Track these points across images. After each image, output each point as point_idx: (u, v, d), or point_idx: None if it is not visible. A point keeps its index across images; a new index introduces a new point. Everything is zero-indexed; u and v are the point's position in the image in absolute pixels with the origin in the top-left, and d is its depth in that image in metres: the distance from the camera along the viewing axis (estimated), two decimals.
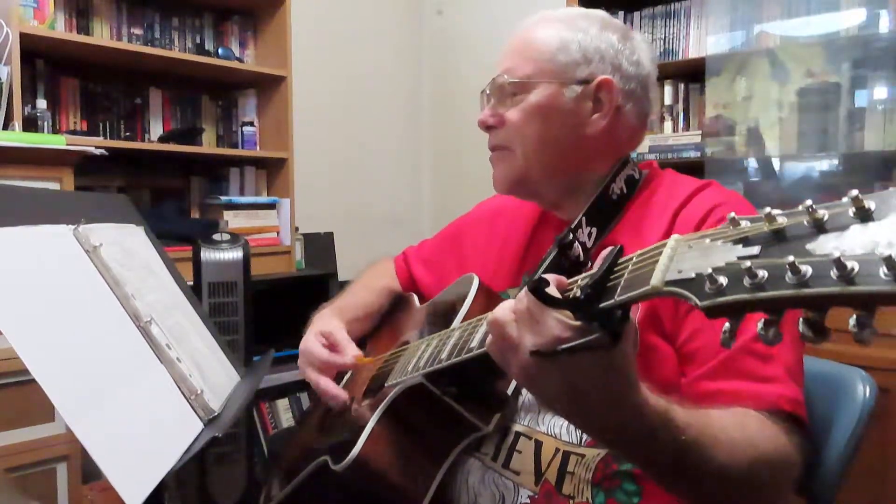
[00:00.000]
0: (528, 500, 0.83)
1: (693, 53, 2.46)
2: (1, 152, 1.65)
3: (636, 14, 2.60)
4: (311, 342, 1.05)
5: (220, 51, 2.64)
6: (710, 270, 0.41)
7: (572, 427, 0.83)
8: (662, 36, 2.54)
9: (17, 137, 1.73)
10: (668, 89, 2.52)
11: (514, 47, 0.96)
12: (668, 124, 2.54)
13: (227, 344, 1.15)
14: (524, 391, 0.89)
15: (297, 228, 2.74)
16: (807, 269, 0.37)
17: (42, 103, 2.22)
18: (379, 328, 1.17)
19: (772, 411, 0.73)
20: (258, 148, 2.78)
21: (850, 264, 0.35)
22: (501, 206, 1.12)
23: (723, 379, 0.76)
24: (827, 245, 0.37)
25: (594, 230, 0.90)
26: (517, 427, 0.87)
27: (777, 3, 2.29)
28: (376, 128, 3.35)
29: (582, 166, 0.94)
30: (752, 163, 2.40)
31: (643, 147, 2.46)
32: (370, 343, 1.17)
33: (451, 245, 1.18)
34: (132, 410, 0.75)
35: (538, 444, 0.84)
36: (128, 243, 0.99)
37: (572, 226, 0.91)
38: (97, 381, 0.73)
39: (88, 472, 1.82)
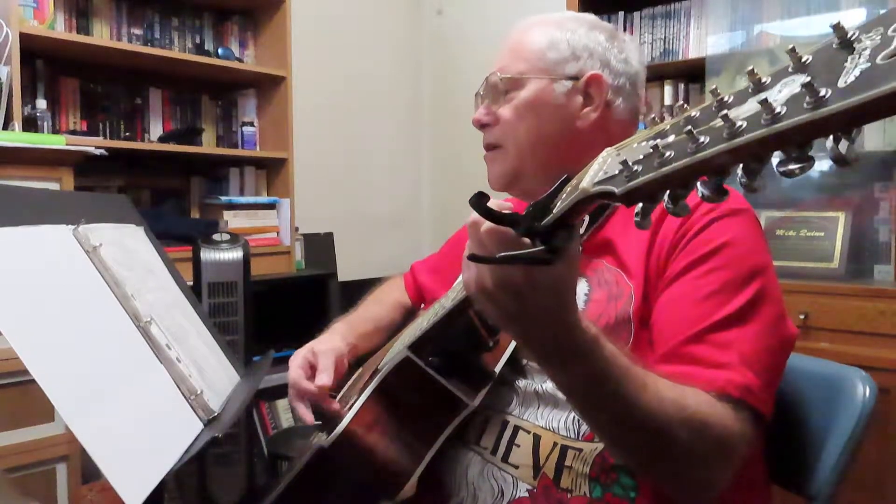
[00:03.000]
0: (527, 494, 0.83)
1: (693, 53, 2.46)
2: (1, 152, 1.65)
3: (636, 14, 2.60)
4: (294, 360, 1.04)
5: (220, 51, 2.64)
6: (628, 162, 0.45)
7: (570, 421, 0.84)
8: (662, 36, 2.54)
9: (17, 137, 1.73)
10: (668, 89, 2.52)
11: (506, 48, 0.99)
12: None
13: (227, 344, 1.15)
14: (520, 383, 0.89)
15: (297, 228, 2.74)
16: (704, 138, 0.40)
17: (42, 103, 2.22)
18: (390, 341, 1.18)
19: (720, 395, 0.73)
20: (258, 148, 2.78)
21: (738, 122, 0.38)
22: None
23: (674, 363, 0.77)
24: (727, 116, 0.39)
25: (586, 220, 0.91)
26: (516, 421, 0.88)
27: (777, 3, 2.29)
28: (376, 128, 3.35)
29: (575, 161, 0.94)
30: None
31: None
32: (382, 353, 1.18)
33: (452, 251, 1.20)
34: (132, 410, 0.75)
35: (536, 438, 0.85)
36: (128, 243, 0.99)
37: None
38: (97, 381, 0.73)
39: (88, 472, 1.82)
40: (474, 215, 0.59)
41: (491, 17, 3.23)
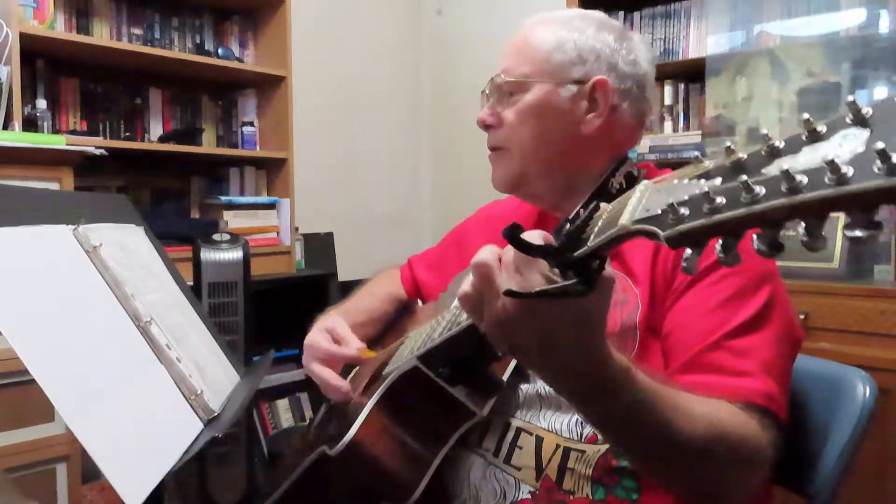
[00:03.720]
0: (529, 496, 0.83)
1: (693, 53, 2.46)
2: (1, 152, 1.65)
3: (636, 14, 2.60)
4: (316, 336, 1.05)
5: (220, 51, 2.64)
6: (673, 203, 0.43)
7: (573, 423, 0.84)
8: (662, 36, 2.54)
9: (17, 137, 1.73)
10: (668, 89, 2.52)
11: (512, 47, 0.97)
12: (668, 124, 2.54)
13: (227, 344, 1.15)
14: (523, 386, 0.89)
15: (297, 228, 2.74)
16: (760, 189, 0.39)
17: (42, 103, 2.22)
18: (385, 335, 1.18)
19: (745, 405, 0.73)
20: (258, 148, 2.78)
21: (798, 177, 0.37)
22: (501, 210, 1.14)
23: (696, 372, 0.77)
24: (780, 166, 0.38)
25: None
26: (518, 423, 0.88)
27: (777, 3, 2.29)
28: (376, 128, 3.35)
29: (579, 165, 0.95)
30: None
31: (643, 147, 2.46)
32: (377, 349, 1.18)
33: (453, 248, 1.19)
34: (132, 410, 0.75)
35: (539, 440, 0.85)
36: (128, 243, 0.99)
37: (570, 217, 0.91)
38: (97, 381, 0.73)
39: (88, 472, 1.82)
40: (505, 246, 0.57)
41: (491, 17, 3.23)
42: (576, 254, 0.53)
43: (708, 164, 0.45)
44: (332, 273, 2.82)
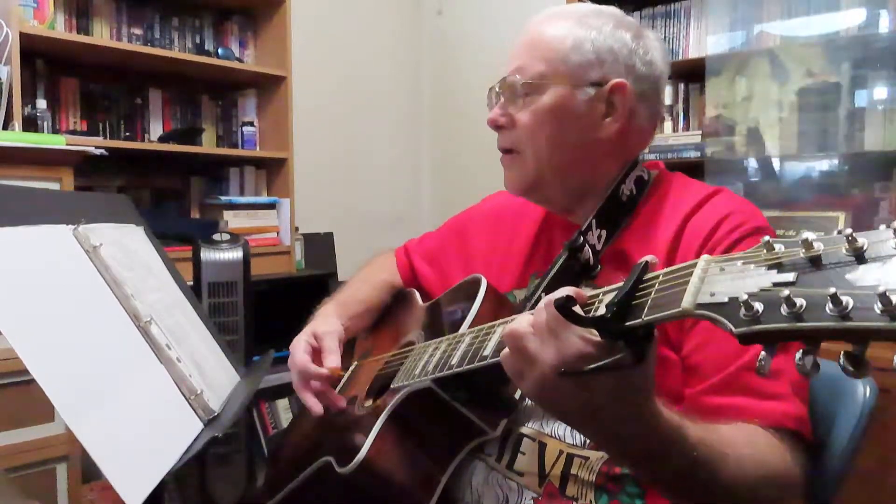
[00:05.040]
0: (532, 502, 0.83)
1: (693, 53, 2.46)
2: (1, 152, 1.65)
3: (636, 14, 2.60)
4: (297, 345, 1.04)
5: (220, 51, 2.64)
6: (745, 296, 0.40)
7: None
8: (662, 36, 2.54)
9: (17, 137, 1.73)
10: (668, 89, 2.51)
11: (525, 44, 0.93)
12: (668, 124, 2.53)
13: (227, 344, 1.15)
14: None
15: (297, 228, 2.74)
16: (848, 301, 0.36)
17: (42, 103, 2.22)
18: (379, 324, 1.17)
19: (777, 428, 0.73)
20: (258, 148, 2.78)
21: (895, 298, 0.34)
22: (507, 204, 1.11)
23: (727, 394, 0.76)
24: (868, 276, 0.36)
25: (603, 233, 0.89)
26: (522, 429, 0.87)
27: (777, 3, 2.29)
28: (376, 128, 3.35)
29: (593, 170, 0.93)
30: (752, 163, 2.40)
31: None
32: (371, 339, 1.17)
33: (454, 239, 1.17)
34: (132, 410, 0.75)
35: (542, 446, 0.84)
36: (128, 243, 0.98)
37: (582, 228, 0.90)
38: (97, 381, 0.73)
39: (88, 472, 1.82)
40: (553, 314, 0.55)
41: (491, 17, 3.23)
42: (627, 324, 0.51)
43: (779, 250, 0.42)
44: (332, 273, 2.82)
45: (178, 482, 1.97)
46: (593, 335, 0.53)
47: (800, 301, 0.38)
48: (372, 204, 3.32)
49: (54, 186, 1.76)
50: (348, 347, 1.12)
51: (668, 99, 2.52)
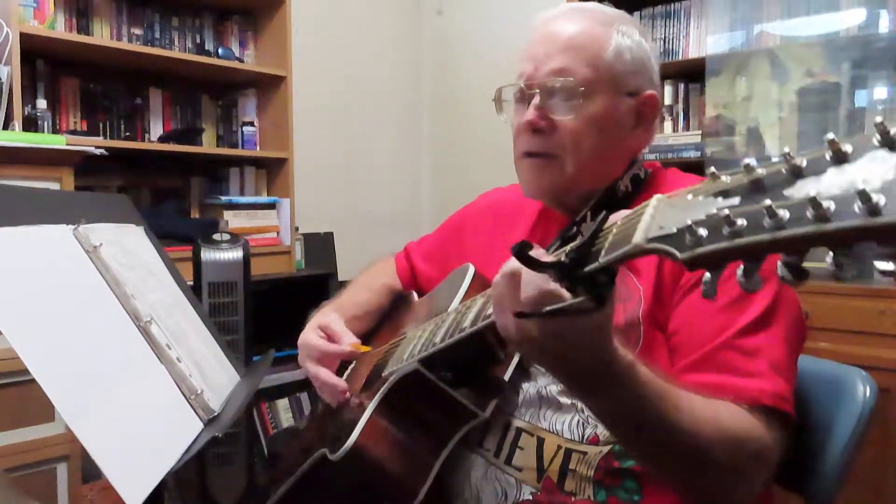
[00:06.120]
0: (531, 497, 0.83)
1: (693, 53, 2.46)
2: (1, 152, 1.65)
3: (636, 14, 2.60)
4: (308, 335, 1.04)
5: (220, 51, 2.64)
6: (689, 223, 0.42)
7: (574, 424, 0.84)
8: (662, 36, 2.54)
9: (17, 137, 1.73)
10: (668, 89, 2.52)
11: (564, 45, 0.89)
12: (668, 124, 2.53)
13: (227, 344, 1.15)
14: (524, 385, 0.89)
15: (297, 228, 2.74)
16: (784, 213, 0.37)
17: (42, 103, 2.22)
18: (379, 327, 1.17)
19: (753, 406, 0.73)
20: (258, 148, 2.78)
21: (825, 203, 0.35)
22: (503, 199, 1.11)
23: (705, 372, 0.76)
24: (804, 189, 0.37)
25: (594, 226, 0.90)
26: (519, 423, 0.87)
27: (777, 3, 2.29)
28: (376, 128, 3.35)
29: (608, 175, 0.93)
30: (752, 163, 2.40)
31: None
32: (372, 342, 1.17)
33: (452, 237, 1.17)
34: (132, 410, 0.75)
35: (540, 441, 0.85)
36: (128, 243, 0.98)
37: (577, 219, 0.91)
38: (97, 381, 0.73)
39: (88, 472, 1.82)
40: (514, 263, 0.57)
41: (491, 17, 3.23)
42: (586, 270, 0.52)
43: (725, 180, 0.43)
44: (332, 273, 2.82)
45: (178, 482, 1.97)
46: (550, 280, 0.55)
47: (740, 220, 0.39)
48: (372, 204, 3.32)
49: (54, 186, 1.76)
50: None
51: (668, 99, 2.52)
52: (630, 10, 2.73)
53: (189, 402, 0.86)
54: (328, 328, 1.04)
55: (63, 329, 0.73)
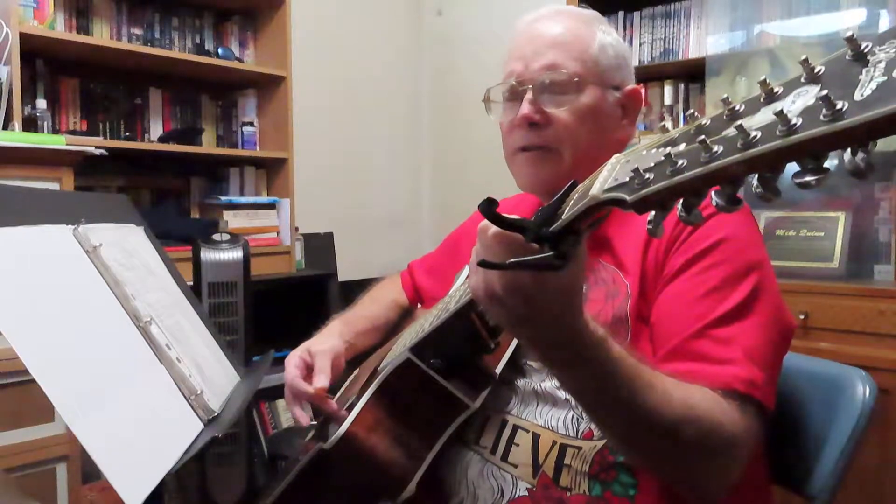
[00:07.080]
0: (527, 493, 0.83)
1: (693, 53, 2.46)
2: (1, 152, 1.65)
3: (636, 14, 2.60)
4: (290, 360, 1.04)
5: (220, 51, 2.64)
6: (639, 169, 0.45)
7: (569, 420, 0.84)
8: (662, 36, 2.54)
9: (17, 137, 1.73)
10: (668, 89, 2.52)
11: (552, 42, 0.94)
12: (668, 124, 2.53)
13: (227, 344, 1.15)
14: (519, 381, 0.90)
15: (296, 228, 2.74)
16: (718, 147, 0.40)
17: (42, 103, 2.22)
18: (387, 342, 1.18)
19: (726, 392, 0.73)
20: (258, 148, 2.78)
21: (752, 133, 0.38)
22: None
23: (679, 360, 0.77)
24: (738, 125, 0.40)
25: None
26: (515, 420, 0.88)
27: (777, 3, 2.29)
28: (376, 128, 3.35)
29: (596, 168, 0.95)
30: None
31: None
32: (378, 356, 1.18)
33: (449, 253, 1.20)
34: (132, 410, 0.75)
35: (535, 437, 0.85)
36: (128, 243, 0.99)
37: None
38: (97, 381, 0.73)
39: (88, 472, 1.82)
40: (483, 221, 0.58)
41: (491, 17, 3.23)
42: (551, 228, 0.54)
43: (673, 132, 0.46)
44: (331, 273, 2.82)
45: (178, 482, 1.97)
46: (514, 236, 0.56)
47: (681, 160, 0.42)
48: (372, 204, 3.32)
49: (54, 186, 1.76)
50: (354, 366, 1.13)
51: (668, 99, 2.52)
52: (630, 10, 2.74)
53: (189, 403, 0.86)
54: (315, 358, 1.03)
55: (63, 329, 0.73)
